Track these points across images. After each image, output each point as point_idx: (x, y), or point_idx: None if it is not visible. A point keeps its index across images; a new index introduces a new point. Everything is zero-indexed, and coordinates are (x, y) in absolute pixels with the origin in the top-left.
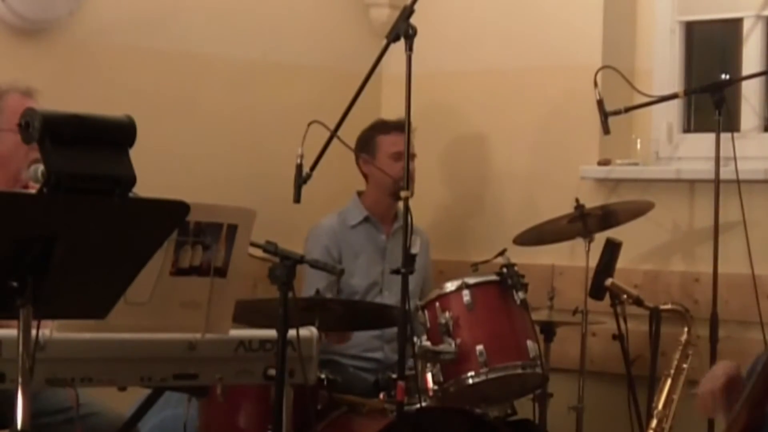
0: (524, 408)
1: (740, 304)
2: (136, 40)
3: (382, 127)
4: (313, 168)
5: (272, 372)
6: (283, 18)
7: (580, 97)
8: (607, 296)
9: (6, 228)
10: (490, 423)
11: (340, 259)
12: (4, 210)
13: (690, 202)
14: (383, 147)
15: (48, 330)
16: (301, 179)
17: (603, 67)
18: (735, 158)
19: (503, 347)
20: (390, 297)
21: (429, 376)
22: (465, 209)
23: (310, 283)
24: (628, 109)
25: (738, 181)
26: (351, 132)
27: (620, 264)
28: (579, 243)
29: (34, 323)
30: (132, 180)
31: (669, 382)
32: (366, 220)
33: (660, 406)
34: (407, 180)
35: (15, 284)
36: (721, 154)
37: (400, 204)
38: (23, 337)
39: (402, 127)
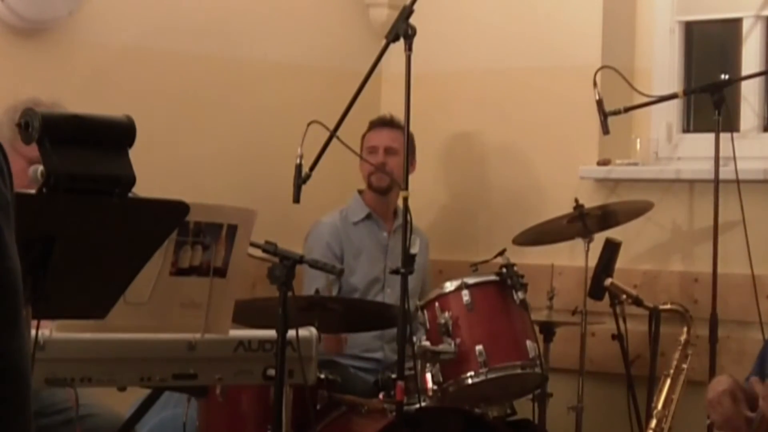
0: (524, 408)
1: (740, 304)
2: (136, 40)
3: (369, 124)
4: (312, 168)
5: (272, 372)
6: (283, 18)
7: (579, 97)
8: (607, 296)
9: None
10: (490, 423)
11: (342, 256)
12: None
13: (689, 202)
14: (364, 143)
15: (48, 330)
16: (300, 179)
17: (602, 67)
18: (734, 158)
19: (503, 347)
20: (392, 295)
21: (428, 376)
22: (464, 209)
23: (309, 282)
24: (627, 109)
25: (737, 181)
26: (351, 132)
27: (620, 264)
28: (578, 243)
29: (34, 323)
30: (132, 180)
31: (668, 382)
32: (368, 217)
33: (659, 406)
34: (407, 179)
35: None
36: (721, 154)
37: (400, 202)
38: None
39: (381, 122)
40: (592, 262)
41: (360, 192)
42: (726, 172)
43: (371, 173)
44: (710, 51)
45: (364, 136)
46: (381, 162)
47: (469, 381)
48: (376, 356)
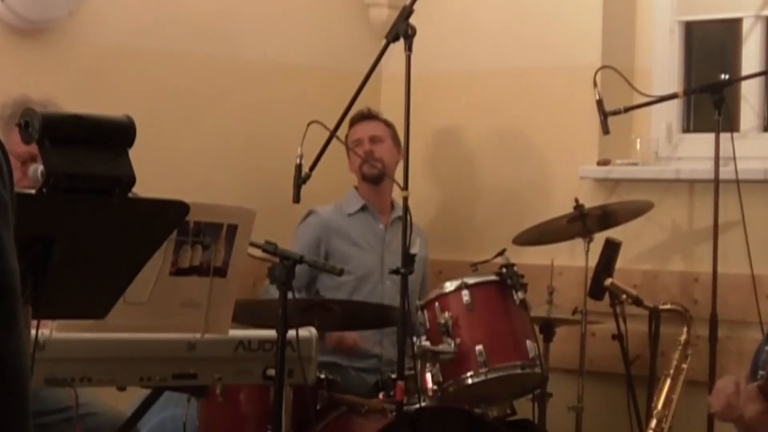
0: (524, 408)
1: (740, 304)
2: (136, 40)
3: (349, 122)
4: (312, 168)
5: (271, 372)
6: (283, 18)
7: (579, 97)
8: (607, 296)
9: None
10: (490, 423)
11: (327, 251)
12: None
13: (689, 202)
14: (349, 139)
15: (48, 330)
16: (300, 179)
17: (602, 67)
18: (734, 158)
19: (502, 347)
20: (392, 288)
21: (428, 376)
22: (464, 209)
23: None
24: (627, 109)
25: (737, 181)
26: None
27: (620, 264)
28: (578, 243)
29: (34, 323)
30: (131, 180)
31: (668, 382)
32: (363, 209)
33: (659, 406)
34: (406, 180)
35: None
36: (721, 154)
37: (396, 196)
38: None
39: (361, 116)
40: (592, 262)
41: (356, 188)
42: (726, 172)
43: (361, 164)
44: (710, 51)
45: (347, 136)
46: (368, 149)
47: (469, 381)
48: (374, 351)
